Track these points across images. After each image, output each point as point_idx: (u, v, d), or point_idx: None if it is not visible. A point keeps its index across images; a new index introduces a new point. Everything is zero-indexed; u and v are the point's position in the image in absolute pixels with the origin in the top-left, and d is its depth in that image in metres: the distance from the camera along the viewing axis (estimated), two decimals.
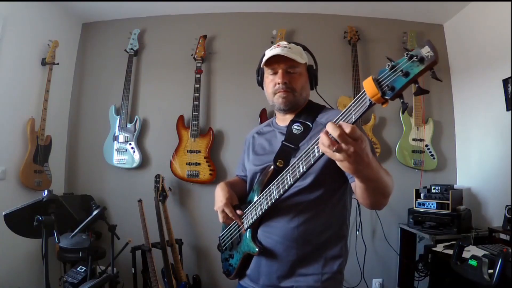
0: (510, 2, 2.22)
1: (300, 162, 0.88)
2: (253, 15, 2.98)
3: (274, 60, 1.10)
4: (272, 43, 2.79)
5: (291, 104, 1.13)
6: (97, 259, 2.36)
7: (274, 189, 1.00)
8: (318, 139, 0.77)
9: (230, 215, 1.11)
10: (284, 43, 1.14)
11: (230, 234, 1.22)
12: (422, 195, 2.53)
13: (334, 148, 0.70)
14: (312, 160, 0.83)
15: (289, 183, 0.94)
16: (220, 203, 1.13)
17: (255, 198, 1.09)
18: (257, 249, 1.08)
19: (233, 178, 1.38)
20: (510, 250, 1.54)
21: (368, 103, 0.69)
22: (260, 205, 1.05)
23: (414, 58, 0.60)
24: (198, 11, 2.97)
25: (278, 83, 1.11)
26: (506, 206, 2.15)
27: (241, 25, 2.98)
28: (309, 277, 1.06)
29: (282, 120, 1.21)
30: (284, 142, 1.12)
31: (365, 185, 0.85)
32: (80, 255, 2.09)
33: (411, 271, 2.51)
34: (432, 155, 2.75)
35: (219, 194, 1.16)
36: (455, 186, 2.70)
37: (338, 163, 0.76)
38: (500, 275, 1.45)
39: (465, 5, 2.69)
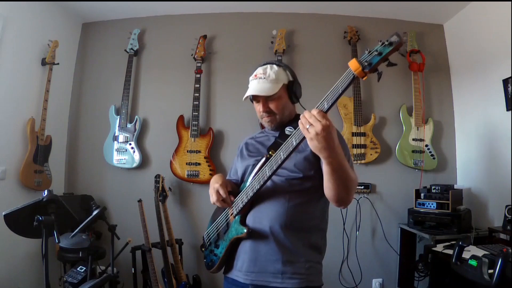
0: (510, 2, 2.22)
1: (294, 138, 1.02)
2: (253, 15, 2.98)
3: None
4: (272, 43, 2.80)
5: (277, 124, 1.27)
6: (97, 259, 2.36)
7: (266, 169, 1.10)
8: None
9: (223, 195, 1.19)
10: (260, 72, 1.24)
11: (217, 227, 1.29)
12: (422, 195, 2.53)
13: (307, 126, 0.92)
14: (302, 136, 0.99)
15: (282, 157, 1.05)
16: (216, 184, 1.22)
17: (247, 185, 1.18)
18: (245, 230, 1.14)
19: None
20: (510, 250, 1.54)
21: (352, 76, 0.91)
22: (252, 187, 1.14)
23: (386, 42, 0.86)
24: (198, 11, 2.97)
25: (261, 111, 1.25)
26: (506, 206, 2.15)
27: (241, 25, 2.98)
28: (294, 264, 1.14)
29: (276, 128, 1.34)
30: (277, 139, 1.25)
31: (330, 169, 1.00)
32: (80, 255, 2.08)
33: (411, 271, 2.51)
34: (432, 155, 2.75)
35: (215, 179, 1.27)
36: (455, 186, 2.69)
37: (309, 143, 0.94)
38: (500, 275, 1.45)
39: (465, 5, 2.69)
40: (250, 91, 1.24)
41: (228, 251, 1.22)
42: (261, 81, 1.23)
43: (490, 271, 1.51)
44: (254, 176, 1.16)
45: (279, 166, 1.08)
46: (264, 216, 1.16)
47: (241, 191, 1.19)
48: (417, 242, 2.64)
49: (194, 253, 2.79)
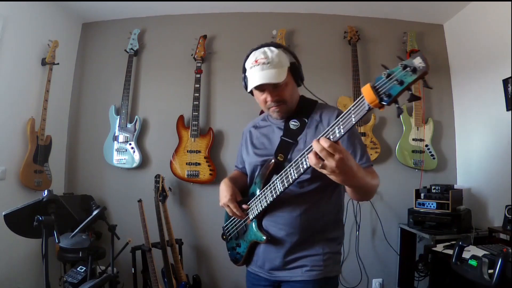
0: (510, 2, 2.22)
1: (304, 159, 0.96)
2: (253, 15, 2.98)
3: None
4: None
5: (287, 113, 1.20)
6: (97, 259, 2.35)
7: (278, 182, 1.07)
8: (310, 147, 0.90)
9: (234, 210, 1.18)
10: (262, 57, 1.11)
11: (235, 225, 1.29)
12: (422, 195, 2.53)
13: (320, 165, 0.84)
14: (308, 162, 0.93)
15: (293, 177, 1.01)
16: (225, 198, 1.20)
17: (258, 191, 1.16)
18: (264, 238, 1.15)
19: (233, 173, 1.45)
20: (510, 250, 1.54)
21: (367, 108, 0.77)
22: (265, 197, 1.12)
23: (408, 69, 0.68)
24: (198, 11, 2.97)
25: (269, 101, 1.15)
26: (506, 206, 2.15)
27: (241, 25, 2.98)
28: (312, 258, 1.15)
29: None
30: (283, 137, 1.19)
31: (351, 190, 1.02)
32: (80, 255, 2.08)
33: (411, 271, 2.51)
34: (432, 155, 2.75)
35: (223, 190, 1.24)
36: (455, 186, 2.70)
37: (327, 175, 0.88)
38: (500, 275, 1.45)
39: (465, 5, 2.69)
40: (256, 80, 1.10)
41: (248, 252, 1.26)
42: (265, 67, 1.10)
43: (490, 271, 1.51)
44: (264, 188, 1.13)
45: (290, 184, 1.04)
46: (279, 221, 1.16)
47: (254, 194, 1.18)
48: (417, 242, 2.64)
49: (194, 253, 2.79)
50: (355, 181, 0.91)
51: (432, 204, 2.46)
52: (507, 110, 2.32)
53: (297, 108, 1.21)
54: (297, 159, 0.98)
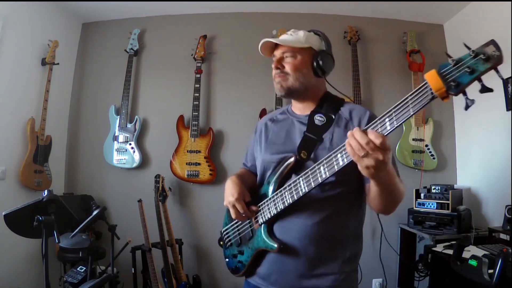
0: (510, 2, 2.22)
1: (340, 155, 0.85)
2: (253, 15, 2.98)
3: (270, 47, 1.11)
4: None
5: (286, 89, 1.08)
6: (97, 259, 2.35)
7: (302, 182, 0.95)
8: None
9: (241, 211, 1.04)
10: (291, 31, 1.10)
11: (239, 229, 1.15)
12: (422, 195, 2.53)
13: (363, 154, 0.74)
14: (344, 158, 0.84)
15: (323, 176, 0.89)
16: (231, 197, 1.05)
17: (271, 192, 1.04)
18: (276, 246, 1.01)
19: (241, 170, 1.30)
20: (510, 250, 1.54)
21: (430, 97, 0.68)
22: (282, 199, 0.99)
23: (481, 56, 0.62)
24: (198, 11, 2.97)
25: (273, 66, 1.10)
26: (506, 206, 2.15)
27: (241, 25, 2.97)
28: (329, 277, 1.02)
29: (300, 108, 1.15)
30: (306, 133, 1.06)
31: (379, 189, 0.88)
32: (80, 255, 2.08)
33: (411, 271, 2.51)
34: (432, 155, 2.75)
35: (230, 188, 1.09)
36: (455, 186, 2.69)
37: (360, 170, 0.78)
38: (500, 275, 1.45)
39: (465, 5, 2.69)
40: (262, 41, 1.08)
41: (253, 260, 1.10)
42: (286, 35, 1.08)
43: (490, 271, 1.51)
44: (282, 187, 1.01)
45: (319, 184, 0.92)
46: (294, 228, 1.02)
47: (265, 195, 1.06)
48: (417, 242, 2.64)
49: (194, 253, 2.79)
50: (387, 177, 0.82)
51: (432, 204, 2.46)
52: (507, 110, 2.32)
53: (322, 103, 1.10)
54: (331, 155, 0.87)
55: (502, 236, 2.17)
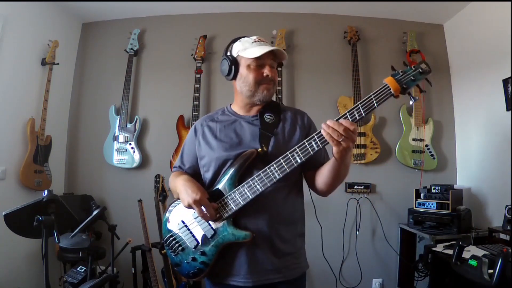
0: (510, 2, 2.22)
1: (313, 141, 1.01)
2: (253, 15, 2.98)
3: (266, 55, 1.15)
4: (272, 43, 2.79)
5: (271, 96, 1.22)
6: (97, 259, 2.35)
7: (274, 169, 1.05)
8: (317, 133, 1.00)
9: (208, 209, 1.07)
10: (263, 39, 1.23)
11: (192, 232, 1.15)
12: (422, 195, 2.53)
13: (341, 139, 0.93)
14: (319, 144, 1.01)
15: (298, 161, 1.02)
16: (196, 196, 1.07)
17: (229, 185, 1.10)
18: (249, 234, 1.07)
19: (180, 172, 1.28)
20: (510, 250, 1.54)
21: (390, 94, 0.95)
22: (251, 188, 1.06)
23: (419, 70, 0.97)
24: (198, 11, 2.97)
25: (267, 75, 1.16)
26: (506, 206, 2.15)
27: (241, 25, 2.97)
28: (292, 255, 1.16)
29: (246, 110, 1.25)
30: (261, 130, 1.18)
31: (341, 168, 1.06)
32: (80, 255, 2.09)
33: (411, 271, 2.51)
34: (432, 155, 2.75)
35: (189, 188, 1.10)
36: (455, 186, 2.69)
37: (334, 152, 0.98)
38: (500, 275, 1.45)
39: (465, 5, 2.69)
40: (269, 48, 1.14)
41: (217, 257, 1.11)
42: (274, 45, 1.20)
43: (490, 271, 1.51)
44: (253, 178, 1.06)
45: (293, 169, 1.04)
46: (260, 215, 1.10)
47: (221, 191, 1.10)
48: (417, 242, 2.64)
49: None
50: (349, 158, 1.04)
51: (432, 204, 2.46)
52: (507, 110, 2.32)
53: (266, 105, 1.23)
54: (304, 142, 1.02)
55: (502, 236, 2.17)
